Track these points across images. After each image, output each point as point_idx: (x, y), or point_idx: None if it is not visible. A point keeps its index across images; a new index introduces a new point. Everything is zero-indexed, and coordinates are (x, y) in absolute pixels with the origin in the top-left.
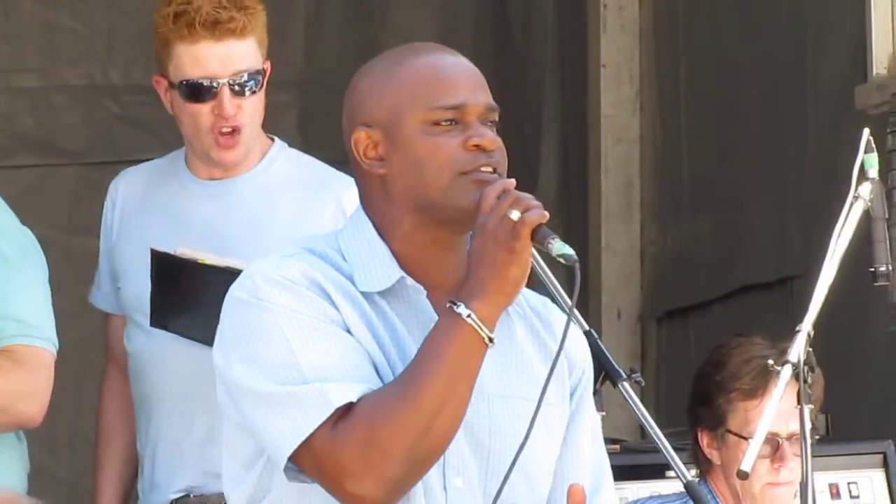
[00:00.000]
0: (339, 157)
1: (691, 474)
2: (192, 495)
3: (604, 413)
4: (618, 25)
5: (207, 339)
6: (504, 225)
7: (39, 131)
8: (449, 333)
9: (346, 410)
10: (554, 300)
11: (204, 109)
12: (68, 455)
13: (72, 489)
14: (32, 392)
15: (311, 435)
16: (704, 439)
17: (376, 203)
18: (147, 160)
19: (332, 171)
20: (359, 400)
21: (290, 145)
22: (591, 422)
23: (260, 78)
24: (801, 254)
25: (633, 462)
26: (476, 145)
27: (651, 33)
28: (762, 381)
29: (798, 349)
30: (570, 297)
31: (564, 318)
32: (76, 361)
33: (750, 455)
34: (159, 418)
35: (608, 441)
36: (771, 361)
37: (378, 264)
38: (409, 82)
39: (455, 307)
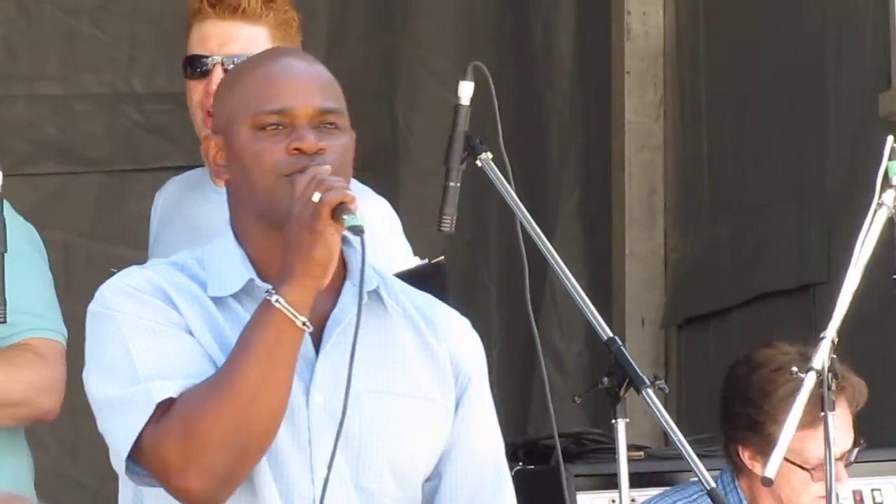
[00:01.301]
0: (360, 164)
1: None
2: None
3: (628, 420)
4: (642, 32)
5: None
6: (307, 207)
7: (61, 139)
8: (261, 321)
9: (168, 406)
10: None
11: (197, 87)
12: (90, 460)
13: (94, 495)
14: (52, 385)
15: (140, 434)
16: (746, 453)
17: (232, 209)
18: (168, 168)
19: (354, 184)
20: (180, 395)
21: None
22: (489, 424)
23: None
24: (823, 261)
25: (656, 469)
26: (296, 149)
27: (674, 40)
28: (817, 408)
29: (822, 356)
30: (360, 269)
31: (453, 320)
32: None
33: (774, 462)
34: None
35: (632, 448)
36: (795, 368)
37: (231, 269)
38: (240, 90)
39: (267, 295)
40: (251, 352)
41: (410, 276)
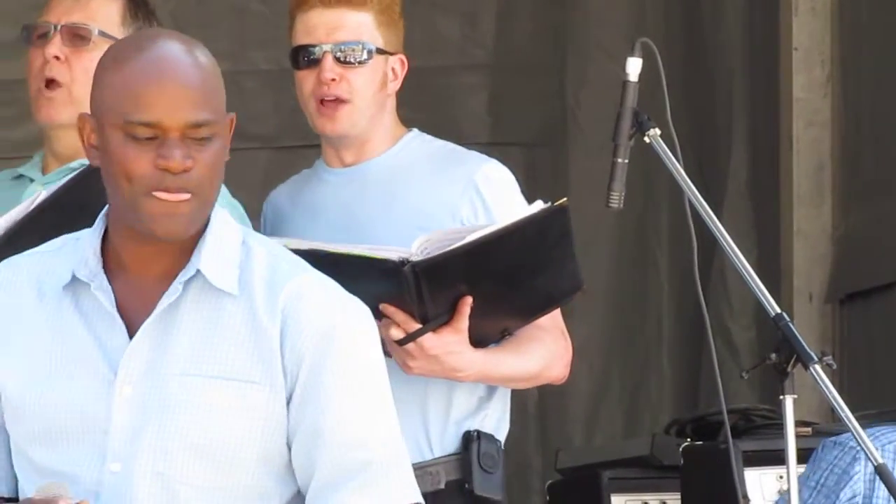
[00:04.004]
0: (529, 139)
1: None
2: None
3: (795, 396)
4: (809, 8)
5: None
6: None
7: None
8: None
9: None
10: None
11: (308, 76)
12: None
13: None
14: None
15: None
16: None
17: (106, 192)
18: None
19: (465, 151)
20: None
21: (479, 129)
22: (336, 413)
23: (371, 52)
24: None
25: None
26: (164, 168)
27: (839, 16)
28: None
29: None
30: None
31: (306, 301)
32: None
33: None
34: None
35: (800, 423)
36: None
37: (83, 255)
38: (119, 86)
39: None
40: None
41: (532, 220)
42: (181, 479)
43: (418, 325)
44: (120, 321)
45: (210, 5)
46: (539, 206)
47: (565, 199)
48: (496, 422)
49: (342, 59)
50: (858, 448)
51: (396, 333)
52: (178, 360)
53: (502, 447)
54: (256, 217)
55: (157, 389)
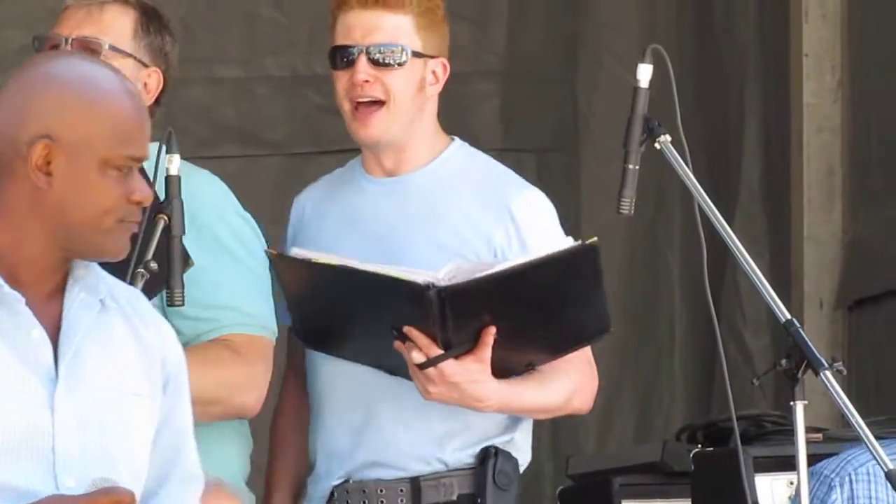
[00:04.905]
0: (541, 146)
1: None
2: (350, 481)
3: (806, 402)
4: (819, 15)
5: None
6: None
7: (241, 122)
8: None
9: None
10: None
11: (343, 77)
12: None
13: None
14: (250, 382)
15: None
16: None
17: (14, 208)
18: (349, 150)
19: (507, 174)
20: None
21: (491, 135)
22: (181, 418)
23: (408, 55)
24: None
25: (834, 451)
26: (138, 202)
27: (849, 22)
28: None
29: None
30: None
31: (156, 316)
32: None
33: None
34: (325, 413)
35: (811, 430)
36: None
37: None
38: (109, 118)
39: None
40: None
41: (561, 256)
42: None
43: (440, 351)
44: (46, 336)
45: (221, 11)
46: (570, 242)
47: (595, 238)
48: (516, 451)
49: (378, 60)
50: (833, 476)
51: (418, 357)
52: (93, 372)
53: (519, 466)
54: (269, 223)
55: (90, 402)
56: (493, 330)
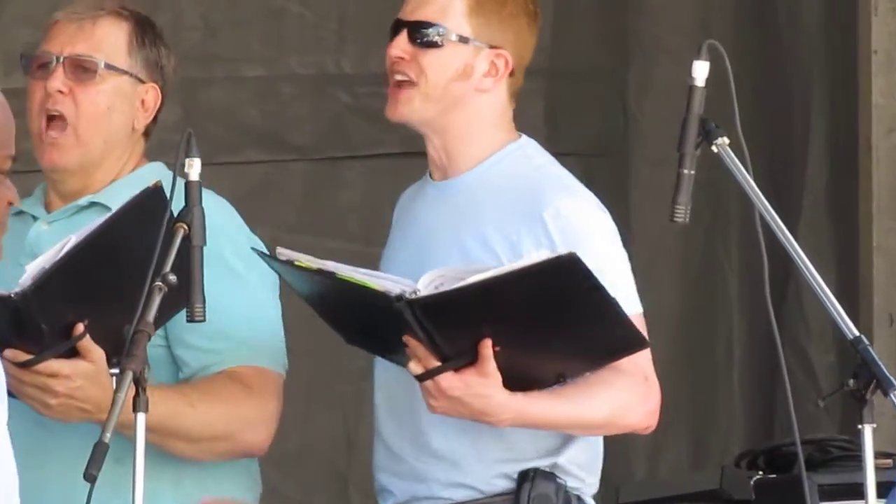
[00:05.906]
0: (586, 148)
1: None
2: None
3: (875, 425)
4: (890, 8)
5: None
6: None
7: (265, 124)
8: None
9: None
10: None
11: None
12: (297, 472)
13: None
14: (260, 419)
15: None
16: None
17: None
18: (381, 155)
19: (551, 179)
20: None
21: (533, 137)
22: None
23: (448, 36)
24: None
25: None
26: (10, 202)
27: None
28: None
29: None
30: None
31: None
32: (307, 371)
33: None
34: (380, 425)
35: (880, 455)
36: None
37: None
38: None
39: None
40: None
41: (538, 268)
42: None
43: (438, 363)
44: None
45: (244, 6)
46: (545, 255)
47: (570, 251)
48: (565, 474)
49: (416, 40)
50: None
51: (415, 368)
52: None
53: (575, 491)
54: (294, 233)
55: None
56: (488, 342)
